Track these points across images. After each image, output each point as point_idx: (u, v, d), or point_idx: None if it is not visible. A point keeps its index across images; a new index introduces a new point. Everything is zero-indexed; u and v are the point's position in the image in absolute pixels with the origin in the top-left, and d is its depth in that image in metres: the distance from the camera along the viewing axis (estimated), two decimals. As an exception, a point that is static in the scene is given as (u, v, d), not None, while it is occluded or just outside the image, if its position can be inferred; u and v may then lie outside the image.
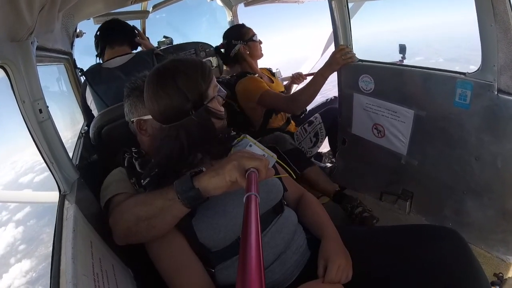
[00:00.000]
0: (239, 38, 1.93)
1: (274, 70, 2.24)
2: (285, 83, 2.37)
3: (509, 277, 1.15)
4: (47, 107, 0.89)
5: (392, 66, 1.49)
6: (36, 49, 0.93)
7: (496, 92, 1.09)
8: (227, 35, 2.00)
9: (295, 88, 2.37)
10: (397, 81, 1.46)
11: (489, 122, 1.15)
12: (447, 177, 1.37)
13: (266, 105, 1.84)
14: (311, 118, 2.02)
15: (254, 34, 1.96)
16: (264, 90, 1.79)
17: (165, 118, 0.83)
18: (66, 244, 0.69)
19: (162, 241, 0.79)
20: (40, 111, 0.86)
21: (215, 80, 0.89)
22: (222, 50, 2.05)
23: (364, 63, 1.61)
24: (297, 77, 2.30)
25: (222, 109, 0.90)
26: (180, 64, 0.85)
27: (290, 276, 0.88)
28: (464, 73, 1.17)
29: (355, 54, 1.63)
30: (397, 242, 0.91)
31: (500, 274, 1.12)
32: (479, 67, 1.12)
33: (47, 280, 0.66)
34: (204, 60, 2.01)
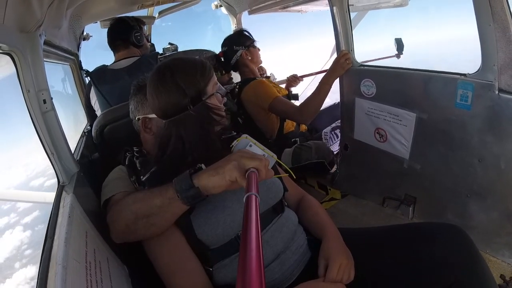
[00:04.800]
0: (240, 44, 1.92)
1: (267, 74, 2.23)
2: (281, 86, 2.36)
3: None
4: (51, 98, 0.90)
5: (393, 69, 1.50)
6: (44, 43, 0.96)
7: (497, 92, 1.08)
8: (227, 42, 1.97)
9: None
10: (399, 84, 1.46)
11: (491, 123, 1.14)
12: (449, 180, 1.35)
13: (277, 112, 1.81)
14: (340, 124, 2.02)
15: (254, 41, 1.96)
16: (275, 96, 1.76)
17: (165, 113, 0.85)
18: (60, 229, 0.68)
19: (160, 238, 0.78)
20: (44, 101, 0.87)
21: (215, 78, 0.91)
22: (222, 59, 2.01)
23: (365, 67, 1.62)
24: (293, 80, 2.29)
25: (222, 106, 0.92)
26: (180, 62, 0.89)
27: (290, 276, 0.85)
28: (464, 74, 1.18)
29: (355, 58, 1.65)
30: (398, 242, 0.89)
31: (507, 278, 1.08)
32: (479, 67, 1.12)
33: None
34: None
